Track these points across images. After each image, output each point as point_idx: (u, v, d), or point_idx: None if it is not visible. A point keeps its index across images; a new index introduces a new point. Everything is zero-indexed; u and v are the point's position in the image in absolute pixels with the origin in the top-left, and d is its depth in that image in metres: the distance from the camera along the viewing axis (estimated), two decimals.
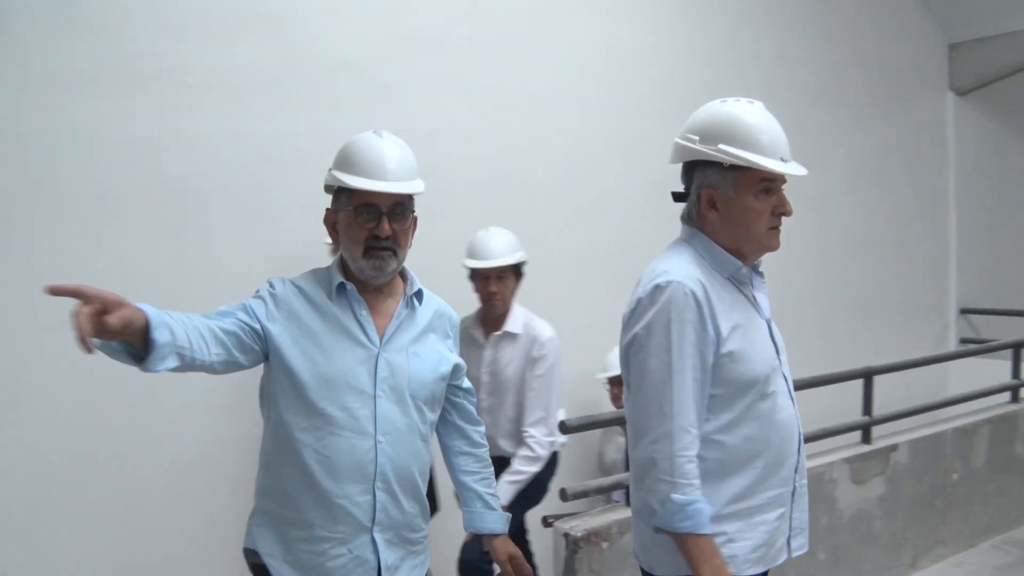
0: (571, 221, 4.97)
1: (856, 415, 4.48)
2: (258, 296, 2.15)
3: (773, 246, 2.11)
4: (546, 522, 3.44)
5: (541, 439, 3.68)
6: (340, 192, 2.17)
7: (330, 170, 2.20)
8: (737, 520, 2.04)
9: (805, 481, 2.18)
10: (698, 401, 1.97)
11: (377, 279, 2.16)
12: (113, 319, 1.62)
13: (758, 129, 2.03)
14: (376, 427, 2.11)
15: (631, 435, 2.07)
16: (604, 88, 5.17)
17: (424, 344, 2.25)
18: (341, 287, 2.16)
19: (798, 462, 2.14)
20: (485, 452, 2.48)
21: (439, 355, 2.27)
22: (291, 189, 3.93)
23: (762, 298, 2.18)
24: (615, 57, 5.24)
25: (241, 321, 2.06)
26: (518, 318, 3.80)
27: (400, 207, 2.15)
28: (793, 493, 2.14)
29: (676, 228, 2.21)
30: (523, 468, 3.65)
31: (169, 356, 1.78)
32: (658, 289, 1.99)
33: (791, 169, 2.05)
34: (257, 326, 2.08)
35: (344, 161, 2.15)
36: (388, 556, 2.16)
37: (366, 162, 2.11)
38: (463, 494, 2.47)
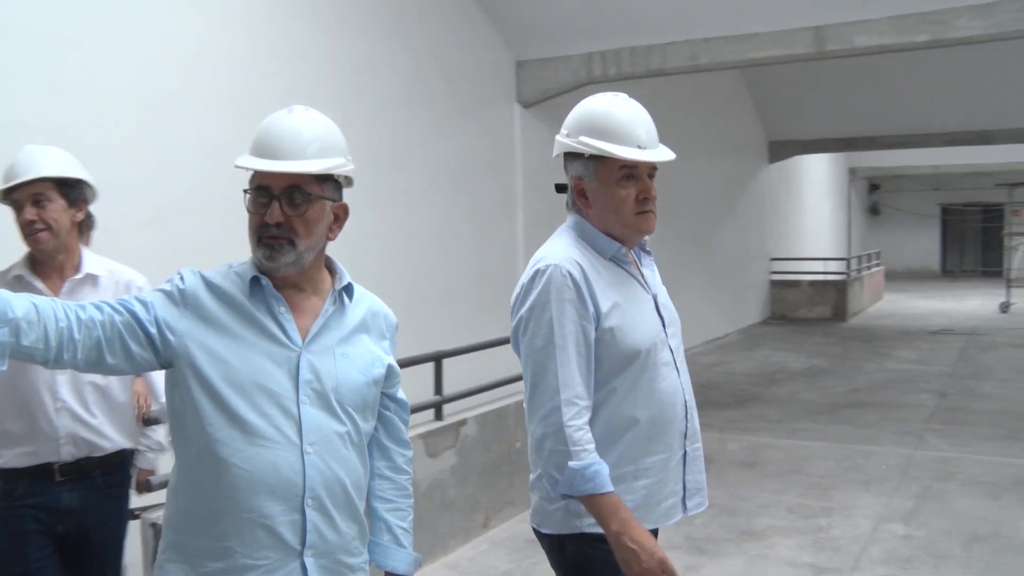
0: (159, 219, 4.90)
1: (430, 395, 4.98)
2: (163, 290, 1.86)
3: (645, 229, 2.20)
4: (133, 515, 3.43)
5: None
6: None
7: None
8: (620, 483, 2.12)
9: (699, 445, 2.31)
10: (583, 374, 2.08)
11: (276, 271, 1.88)
12: None
13: (615, 120, 2.13)
14: (302, 436, 1.85)
15: (527, 412, 2.16)
16: (187, 88, 5.16)
17: (354, 345, 1.98)
18: (255, 282, 1.88)
19: (687, 428, 2.26)
20: (407, 480, 2.16)
21: (372, 356, 2.00)
22: None
23: (650, 275, 2.30)
24: (198, 56, 5.25)
25: (131, 316, 1.79)
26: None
27: (297, 190, 1.84)
28: (684, 457, 2.27)
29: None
30: None
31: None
32: (538, 274, 2.12)
33: (647, 156, 2.13)
34: (153, 330, 1.80)
35: (252, 141, 1.89)
36: None
37: (263, 140, 1.85)
38: (372, 522, 2.12)
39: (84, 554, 2.82)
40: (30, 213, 2.65)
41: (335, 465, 1.88)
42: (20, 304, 1.62)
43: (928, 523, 5.23)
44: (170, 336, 1.81)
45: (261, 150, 1.84)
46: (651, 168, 2.17)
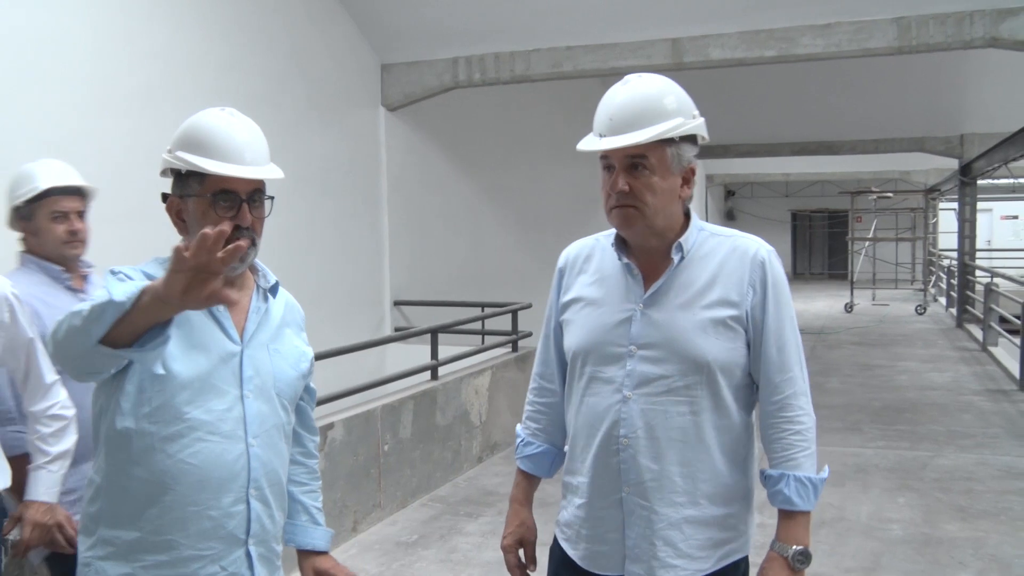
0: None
1: None
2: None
3: (616, 226, 1.96)
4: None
5: None
6: (189, 176, 1.89)
7: (171, 151, 1.91)
8: (565, 488, 2.12)
9: (647, 504, 1.94)
10: (544, 355, 2.18)
11: (236, 270, 1.94)
12: None
13: (600, 110, 1.92)
14: (247, 430, 1.91)
15: None
16: (35, 82, 4.92)
17: (283, 340, 2.06)
18: None
19: (619, 467, 1.95)
20: (316, 464, 2.27)
21: (298, 351, 2.10)
22: None
23: (669, 285, 1.96)
24: (47, 50, 5.01)
25: None
26: None
27: (259, 193, 1.94)
28: (622, 503, 1.96)
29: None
30: None
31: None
32: None
33: (604, 144, 1.88)
34: None
35: (192, 142, 1.89)
36: (261, 572, 1.97)
37: (221, 144, 1.88)
38: (289, 505, 2.19)
39: None
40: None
41: (273, 456, 1.98)
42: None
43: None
44: None
45: (228, 155, 1.87)
46: (626, 159, 1.88)
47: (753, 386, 1.98)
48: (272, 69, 6.89)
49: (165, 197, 1.96)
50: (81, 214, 2.88)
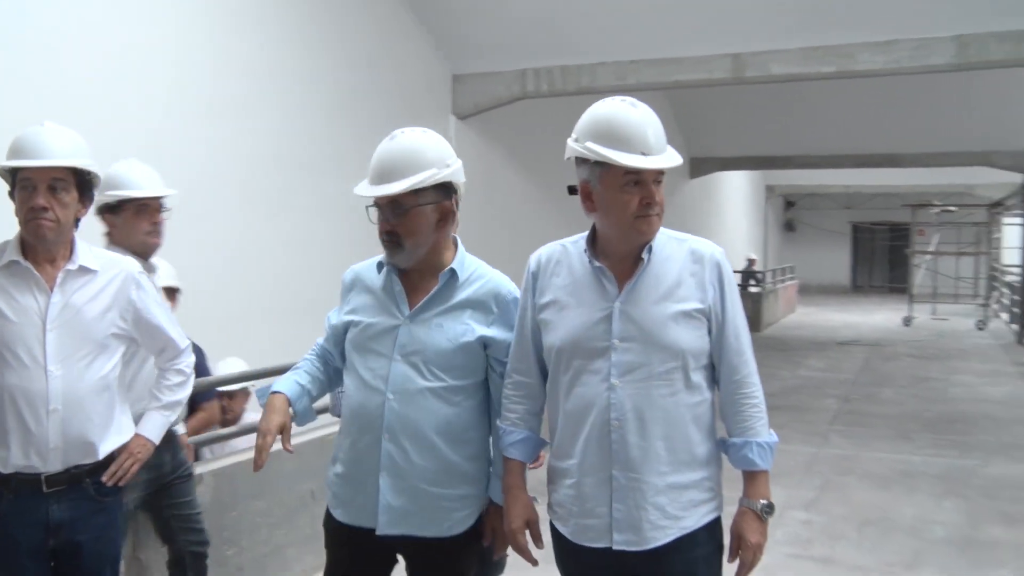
0: None
1: None
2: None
3: (643, 230, 2.16)
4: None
5: None
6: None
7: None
8: (553, 473, 2.33)
9: (637, 476, 2.17)
10: (520, 352, 2.34)
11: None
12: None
13: (620, 126, 2.11)
14: (387, 386, 2.38)
15: None
16: (133, 87, 5.38)
17: (453, 317, 2.36)
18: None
19: (611, 448, 2.17)
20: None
21: (464, 328, 2.36)
22: None
23: (643, 284, 2.18)
24: (148, 59, 5.48)
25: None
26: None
27: (397, 204, 2.31)
28: (611, 480, 2.18)
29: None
30: None
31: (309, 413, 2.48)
32: None
33: (650, 163, 2.10)
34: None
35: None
36: (388, 497, 2.37)
37: (381, 165, 2.36)
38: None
39: (78, 572, 2.60)
40: (43, 199, 2.43)
41: (412, 411, 2.39)
42: (305, 386, 2.47)
43: (827, 510, 5.74)
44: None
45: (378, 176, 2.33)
46: (656, 174, 2.14)
47: (712, 367, 2.27)
48: (351, 82, 7.32)
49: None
50: (160, 208, 3.14)
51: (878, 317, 19.77)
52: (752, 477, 2.23)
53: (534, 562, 2.38)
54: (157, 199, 3.17)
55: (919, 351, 13.98)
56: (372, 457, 2.33)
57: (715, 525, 2.27)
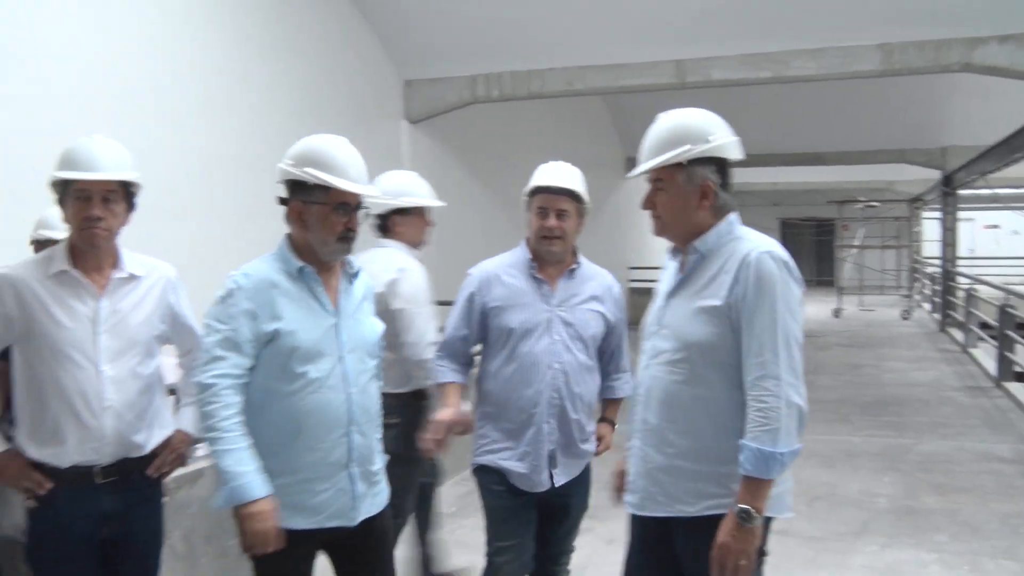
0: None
1: None
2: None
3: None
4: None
5: None
6: (315, 188, 2.65)
7: (295, 165, 2.72)
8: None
9: (640, 445, 2.49)
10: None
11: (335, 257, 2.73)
12: None
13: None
14: (347, 382, 2.63)
15: None
16: (96, 94, 5.45)
17: (362, 312, 2.74)
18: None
19: (632, 420, 2.55)
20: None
21: (373, 320, 2.83)
22: None
23: (682, 278, 2.47)
24: (109, 65, 5.55)
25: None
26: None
27: (359, 206, 2.76)
28: (631, 450, 2.56)
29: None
30: None
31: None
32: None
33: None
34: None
35: (320, 161, 2.70)
36: (361, 487, 2.62)
37: (342, 165, 2.79)
38: None
39: (127, 559, 2.76)
40: (99, 209, 2.59)
41: (366, 399, 2.74)
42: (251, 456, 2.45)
43: None
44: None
45: (346, 175, 2.65)
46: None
47: (740, 366, 2.29)
48: (309, 86, 7.49)
49: (283, 201, 2.64)
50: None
51: (809, 309, 20.22)
52: (744, 481, 2.26)
53: None
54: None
55: (850, 340, 14.63)
56: (339, 453, 2.57)
57: (720, 521, 2.31)
